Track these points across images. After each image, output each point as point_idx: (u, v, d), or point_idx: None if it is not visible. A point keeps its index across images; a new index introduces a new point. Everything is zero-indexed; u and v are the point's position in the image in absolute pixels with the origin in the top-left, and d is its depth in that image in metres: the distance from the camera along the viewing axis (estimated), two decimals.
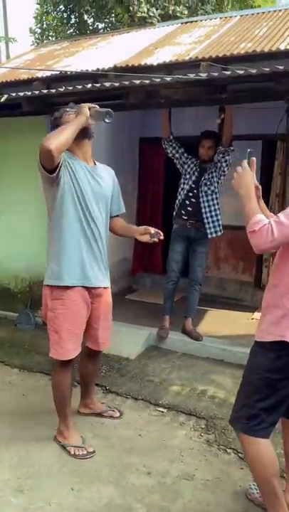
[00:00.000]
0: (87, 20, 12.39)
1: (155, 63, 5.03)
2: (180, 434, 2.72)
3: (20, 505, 2.09)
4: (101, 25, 12.54)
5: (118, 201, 2.66)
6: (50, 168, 2.29)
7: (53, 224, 2.44)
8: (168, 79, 3.44)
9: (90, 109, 2.35)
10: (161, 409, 2.99)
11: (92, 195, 2.43)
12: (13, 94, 4.03)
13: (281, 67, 2.97)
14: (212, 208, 4.05)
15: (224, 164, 3.99)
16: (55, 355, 2.46)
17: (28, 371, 3.52)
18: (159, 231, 2.49)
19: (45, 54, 7.37)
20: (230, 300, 5.31)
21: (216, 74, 3.34)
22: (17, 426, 2.73)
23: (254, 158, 1.89)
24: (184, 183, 4.14)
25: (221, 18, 6.63)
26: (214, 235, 4.10)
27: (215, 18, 6.71)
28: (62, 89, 3.86)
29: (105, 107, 2.40)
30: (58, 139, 2.20)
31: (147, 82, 3.42)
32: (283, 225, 1.68)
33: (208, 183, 4.04)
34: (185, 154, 4.15)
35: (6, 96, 3.99)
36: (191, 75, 3.41)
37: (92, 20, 12.49)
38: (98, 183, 2.47)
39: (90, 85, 3.79)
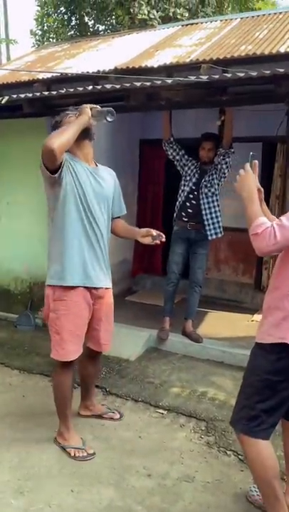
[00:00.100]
0: (87, 22, 12.42)
1: (156, 65, 5.04)
2: (180, 436, 2.72)
3: (20, 507, 2.09)
4: (102, 27, 12.57)
5: (119, 203, 2.67)
6: (52, 168, 2.29)
7: (55, 224, 2.45)
8: (169, 81, 3.45)
9: (91, 109, 2.36)
10: (161, 411, 2.99)
11: (94, 196, 2.43)
12: (14, 96, 4.04)
13: (282, 70, 2.98)
14: (212, 210, 4.06)
15: (224, 166, 4.00)
16: (57, 356, 2.46)
17: (28, 373, 3.51)
18: (161, 233, 2.50)
19: (45, 56, 7.39)
20: (230, 302, 5.31)
21: (216, 76, 3.35)
22: (17, 427, 2.73)
23: (256, 162, 1.90)
24: (184, 185, 4.14)
25: (221, 20, 6.65)
26: (214, 237, 4.10)
27: (215, 21, 6.72)
28: (62, 91, 3.86)
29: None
30: (60, 139, 2.21)
31: (148, 84, 3.43)
32: (286, 228, 1.69)
33: (209, 185, 4.04)
34: (185, 156, 4.16)
35: (6, 98, 3.99)
36: (192, 77, 3.42)
37: (92, 22, 12.52)
38: (100, 185, 2.48)
39: (90, 87, 3.80)
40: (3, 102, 3.96)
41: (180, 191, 4.17)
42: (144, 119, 5.59)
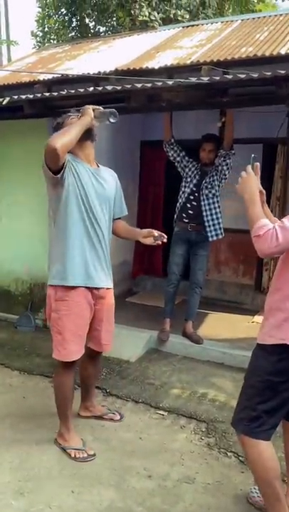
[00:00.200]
0: (88, 24, 12.45)
1: (156, 67, 5.05)
2: (181, 437, 2.72)
3: (20, 508, 2.08)
4: (102, 29, 12.60)
5: (121, 204, 2.67)
6: (55, 168, 2.30)
7: (57, 225, 2.46)
8: (170, 82, 3.46)
9: (94, 110, 2.37)
10: (161, 412, 2.98)
11: (96, 197, 2.44)
12: (15, 97, 4.04)
13: (283, 72, 2.98)
14: (213, 211, 4.06)
15: (225, 168, 4.00)
16: (58, 356, 2.46)
17: (29, 373, 3.51)
18: (163, 234, 2.50)
19: (46, 57, 7.40)
20: (230, 303, 5.30)
21: (217, 78, 3.36)
22: (18, 428, 2.73)
23: (258, 164, 1.90)
24: (185, 186, 4.14)
25: (222, 22, 6.66)
26: (215, 238, 4.10)
27: (216, 22, 6.74)
28: (63, 92, 3.87)
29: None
30: (63, 139, 2.22)
31: (149, 85, 3.43)
32: (287, 230, 1.69)
33: (209, 186, 4.04)
34: (186, 157, 4.16)
35: (7, 99, 3.99)
36: (193, 79, 3.42)
37: (93, 23, 12.56)
38: (102, 185, 2.49)
39: (91, 88, 3.81)
40: (4, 103, 3.97)
41: (181, 192, 4.17)
42: (145, 121, 5.60)
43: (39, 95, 4.02)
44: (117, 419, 2.85)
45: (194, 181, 4.08)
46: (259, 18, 6.34)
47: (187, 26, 7.04)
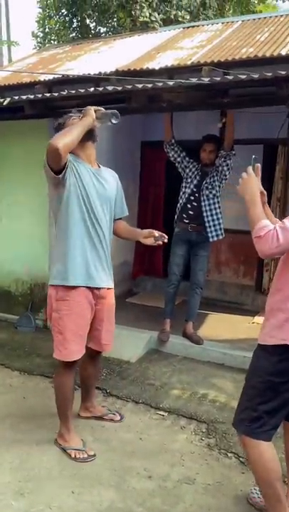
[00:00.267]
0: (89, 25, 12.46)
1: (157, 67, 5.05)
2: (181, 437, 2.72)
3: (20, 509, 2.08)
4: (103, 30, 12.61)
5: (121, 204, 2.67)
6: (56, 168, 2.30)
7: (58, 225, 2.46)
8: (170, 83, 3.46)
9: (96, 111, 2.37)
10: (161, 412, 2.98)
11: (97, 197, 2.45)
12: (16, 98, 4.05)
13: (283, 73, 2.99)
14: (213, 212, 4.06)
15: (226, 168, 4.00)
16: (59, 356, 2.46)
17: (29, 374, 3.51)
18: (163, 234, 2.50)
19: (47, 57, 7.41)
20: (231, 304, 5.30)
21: (218, 78, 3.35)
22: (18, 429, 2.73)
23: (259, 165, 1.91)
24: (185, 187, 4.14)
25: (222, 23, 6.67)
26: (215, 239, 4.10)
27: (217, 23, 6.75)
28: (64, 93, 3.87)
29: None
30: (65, 139, 2.23)
31: (150, 86, 3.43)
32: (288, 231, 1.69)
33: (210, 186, 4.04)
34: (187, 158, 4.16)
35: (8, 99, 4.00)
36: (194, 80, 3.42)
37: (94, 24, 12.56)
38: (103, 186, 2.49)
39: (92, 89, 3.80)
40: (4, 103, 3.97)
41: (181, 193, 4.17)
42: (146, 121, 5.60)
43: (40, 96, 4.02)
44: (117, 420, 2.85)
45: (195, 182, 4.08)
46: (260, 19, 6.36)
47: (188, 27, 7.05)
